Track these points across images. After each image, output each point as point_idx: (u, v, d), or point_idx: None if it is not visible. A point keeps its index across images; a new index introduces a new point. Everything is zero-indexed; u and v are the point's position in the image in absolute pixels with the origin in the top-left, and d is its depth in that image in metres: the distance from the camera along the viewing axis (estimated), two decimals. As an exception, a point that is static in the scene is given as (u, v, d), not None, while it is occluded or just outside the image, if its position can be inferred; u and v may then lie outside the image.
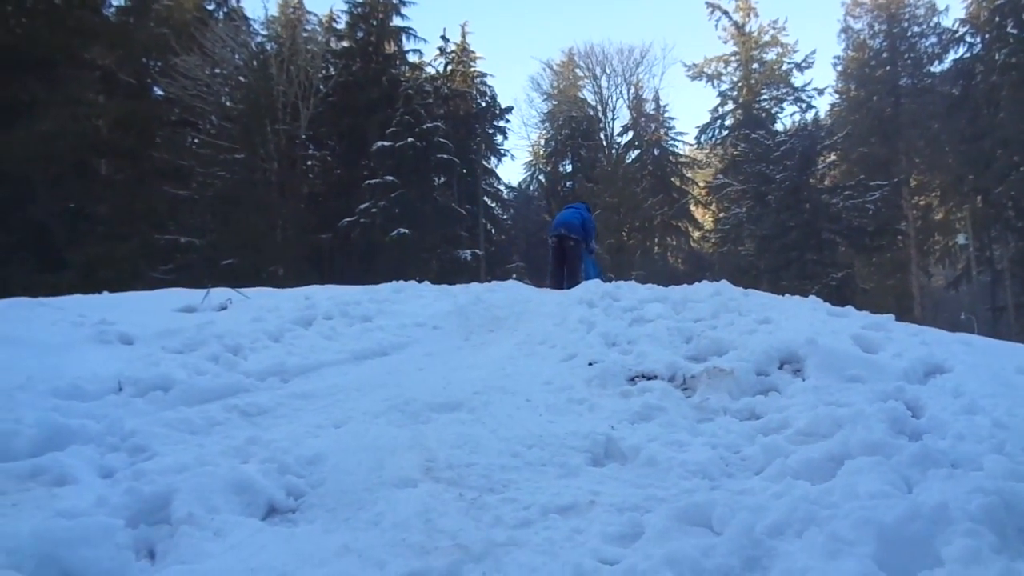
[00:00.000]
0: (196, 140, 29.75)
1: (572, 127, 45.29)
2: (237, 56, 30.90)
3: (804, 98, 40.43)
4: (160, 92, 28.67)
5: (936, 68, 38.79)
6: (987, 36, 35.41)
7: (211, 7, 33.04)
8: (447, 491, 3.40)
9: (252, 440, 3.90)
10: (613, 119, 46.17)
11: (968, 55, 36.79)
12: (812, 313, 7.03)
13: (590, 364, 5.51)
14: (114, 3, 27.22)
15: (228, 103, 30.59)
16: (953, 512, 2.20)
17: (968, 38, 36.82)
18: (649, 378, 5.25)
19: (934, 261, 41.41)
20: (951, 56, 37.64)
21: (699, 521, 2.73)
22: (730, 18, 41.04)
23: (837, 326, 6.41)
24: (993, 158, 33.96)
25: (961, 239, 37.31)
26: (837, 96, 42.36)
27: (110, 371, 4.85)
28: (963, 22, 36.98)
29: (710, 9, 41.21)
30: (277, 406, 4.66)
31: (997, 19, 34.38)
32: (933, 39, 38.89)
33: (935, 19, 38.97)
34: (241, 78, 30.82)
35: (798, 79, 40.62)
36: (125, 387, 4.66)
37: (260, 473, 3.38)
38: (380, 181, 31.48)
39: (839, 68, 42.04)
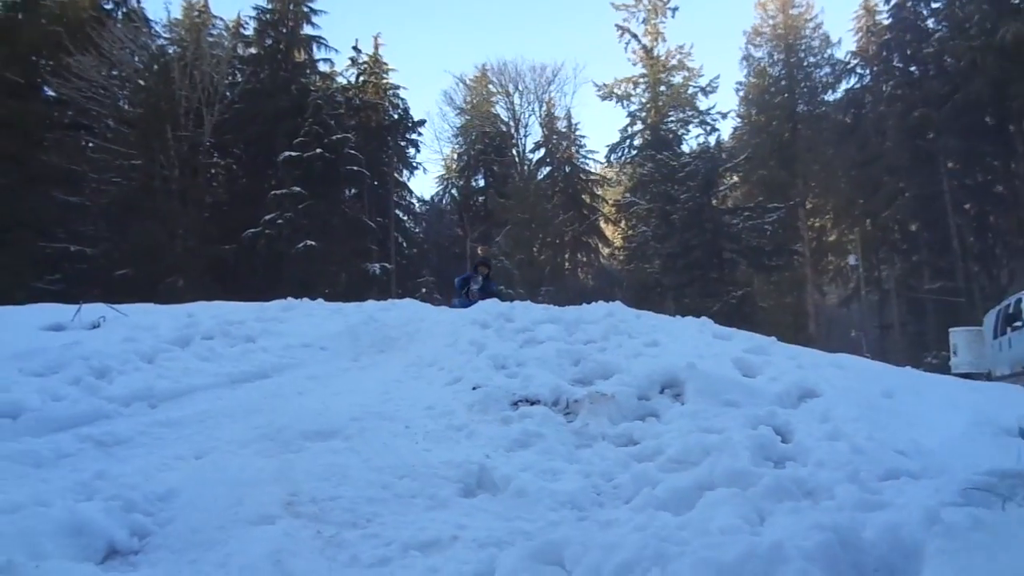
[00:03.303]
0: (90, 144, 28.29)
1: (485, 142, 45.42)
2: (136, 58, 29.64)
3: (708, 121, 41.62)
4: (51, 93, 27.19)
5: (830, 97, 40.82)
6: (875, 69, 37.53)
7: (109, 6, 31.56)
8: (306, 527, 3.26)
9: (101, 474, 3.65)
10: (525, 136, 46.56)
11: (859, 86, 38.90)
12: (699, 336, 7.20)
13: (474, 388, 5.45)
14: (1, -1, 25.70)
15: (126, 107, 29.26)
16: (788, 551, 2.22)
17: (859, 70, 38.94)
18: (532, 403, 5.22)
19: (828, 280, 43.36)
20: (843, 86, 39.75)
21: (552, 560, 2.69)
22: (639, 41, 41.98)
23: (720, 349, 6.58)
24: (880, 184, 35.92)
25: (852, 260, 39.16)
26: (739, 120, 43.96)
27: (-49, 397, 4.48)
28: (854, 55, 39.07)
29: (620, 32, 42.07)
30: (138, 435, 4.40)
31: (884, 53, 36.47)
32: (827, 69, 40.89)
33: (829, 51, 41.04)
34: (141, 81, 29.55)
35: (703, 103, 41.85)
36: (-34, 415, 4.31)
37: (102, 512, 3.15)
38: (287, 192, 30.72)
39: (741, 94, 43.78)
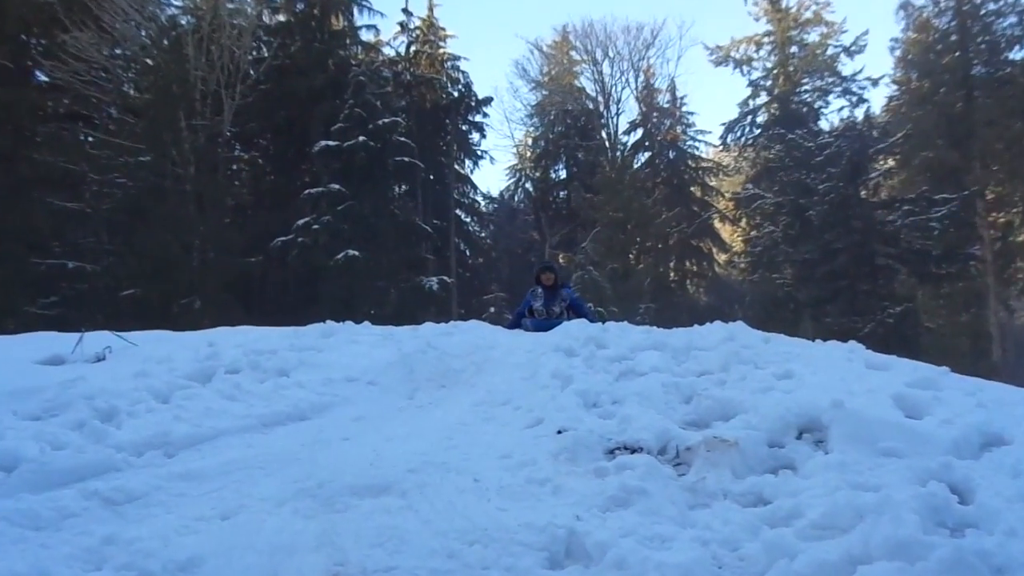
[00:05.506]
0: (90, 138, 29.64)
1: (567, 123, 45.74)
2: (143, 32, 30.96)
3: (854, 90, 41.10)
4: (44, 78, 28.63)
5: (1017, 55, 39.50)
6: (1080, 15, 36.18)
7: (111, -28, 33.18)
8: (355, 607, 3.35)
9: (111, 539, 3.83)
10: (618, 113, 46.75)
11: (1058, 39, 37.55)
12: (846, 365, 7.06)
13: (560, 432, 5.49)
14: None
15: (132, 92, 30.58)
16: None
17: (1057, 17, 37.60)
18: (633, 450, 5.23)
19: (1017, 293, 41.80)
20: (1036, 40, 38.39)
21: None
22: (763, -10, 41.82)
23: (876, 382, 6.44)
24: (1090, 165, 34.53)
25: (1050, 267, 37.79)
26: (895, 88, 42.98)
27: (-64, 446, 4.76)
28: (1050, -3, 37.78)
29: (738, -22, 42.04)
30: (153, 491, 4.60)
31: (1091, -6, 35.13)
32: (1013, 19, 39.58)
33: (1016, -6, 39.84)
34: (148, 60, 30.85)
35: (847, 66, 41.32)
36: (-47, 467, 4.58)
37: (113, 584, 3.31)
38: (324, 190, 31.49)
39: (897, 53, 42.71)
